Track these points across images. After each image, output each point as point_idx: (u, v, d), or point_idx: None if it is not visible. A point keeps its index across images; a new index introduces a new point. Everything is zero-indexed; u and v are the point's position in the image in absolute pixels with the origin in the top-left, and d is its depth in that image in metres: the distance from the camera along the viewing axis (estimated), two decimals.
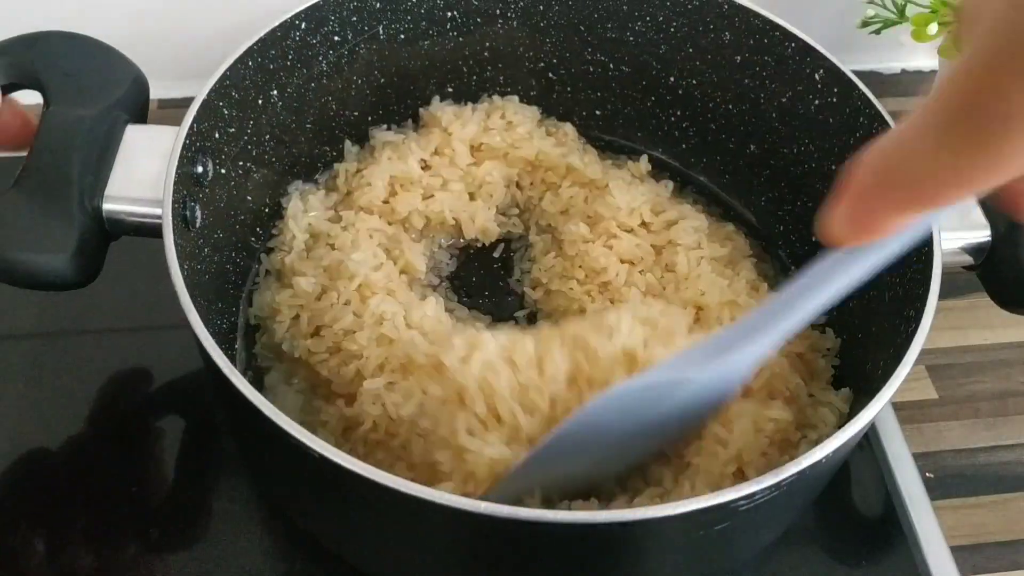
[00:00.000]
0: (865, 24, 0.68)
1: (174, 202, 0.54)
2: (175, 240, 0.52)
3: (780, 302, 0.46)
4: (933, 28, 0.63)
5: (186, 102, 0.58)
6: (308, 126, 0.71)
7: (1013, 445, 0.71)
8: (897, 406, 0.71)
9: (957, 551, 0.64)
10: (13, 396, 0.68)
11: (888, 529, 0.65)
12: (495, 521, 0.43)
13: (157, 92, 0.83)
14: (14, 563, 0.61)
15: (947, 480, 0.69)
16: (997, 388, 0.74)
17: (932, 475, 0.69)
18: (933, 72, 0.94)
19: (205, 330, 0.49)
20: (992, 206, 0.58)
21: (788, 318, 0.46)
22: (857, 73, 0.63)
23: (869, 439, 0.68)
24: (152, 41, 0.85)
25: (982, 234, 0.58)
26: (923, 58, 0.95)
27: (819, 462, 0.45)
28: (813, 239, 0.69)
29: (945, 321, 0.51)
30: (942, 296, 0.53)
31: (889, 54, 0.95)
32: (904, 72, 0.97)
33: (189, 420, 0.69)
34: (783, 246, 0.73)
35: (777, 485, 0.44)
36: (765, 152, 0.72)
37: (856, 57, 0.73)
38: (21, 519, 0.63)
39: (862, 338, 0.62)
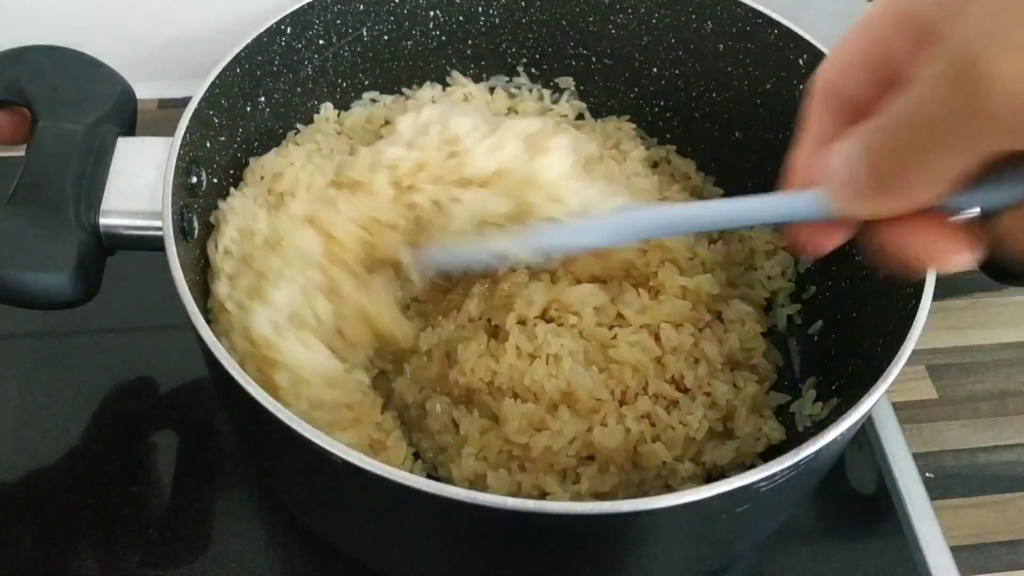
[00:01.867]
0: None
1: (172, 214, 0.53)
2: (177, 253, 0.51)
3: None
4: None
5: (185, 102, 0.57)
6: (295, 131, 0.70)
7: (1013, 445, 0.72)
8: (897, 406, 0.72)
9: (957, 551, 0.65)
10: (14, 396, 0.68)
11: (888, 529, 0.65)
12: (520, 515, 0.43)
13: (157, 92, 0.83)
14: (15, 566, 0.61)
15: (947, 480, 0.70)
16: (997, 388, 0.75)
17: (932, 475, 0.70)
18: None
19: (215, 340, 0.48)
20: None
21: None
22: None
23: (869, 438, 0.69)
24: (152, 41, 0.85)
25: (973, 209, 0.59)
26: None
27: (834, 440, 0.46)
28: None
29: (945, 321, 0.52)
30: (941, 296, 0.53)
31: None
32: None
33: (189, 420, 0.69)
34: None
35: (796, 464, 0.45)
36: (750, 139, 0.73)
37: None
38: (21, 520, 0.62)
39: (857, 317, 0.63)
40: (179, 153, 0.55)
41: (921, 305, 0.52)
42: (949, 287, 0.53)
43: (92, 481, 0.65)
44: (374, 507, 0.50)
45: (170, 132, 0.57)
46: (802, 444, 0.45)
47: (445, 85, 0.75)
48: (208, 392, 0.70)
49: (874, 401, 0.48)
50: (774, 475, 0.44)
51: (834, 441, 0.46)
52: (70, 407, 0.68)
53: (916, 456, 0.69)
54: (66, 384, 0.69)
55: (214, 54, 0.60)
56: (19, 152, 0.56)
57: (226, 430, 0.68)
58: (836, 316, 0.65)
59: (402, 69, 0.74)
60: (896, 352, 0.50)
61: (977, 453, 0.71)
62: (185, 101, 0.57)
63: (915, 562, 0.64)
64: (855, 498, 0.67)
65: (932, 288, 0.53)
